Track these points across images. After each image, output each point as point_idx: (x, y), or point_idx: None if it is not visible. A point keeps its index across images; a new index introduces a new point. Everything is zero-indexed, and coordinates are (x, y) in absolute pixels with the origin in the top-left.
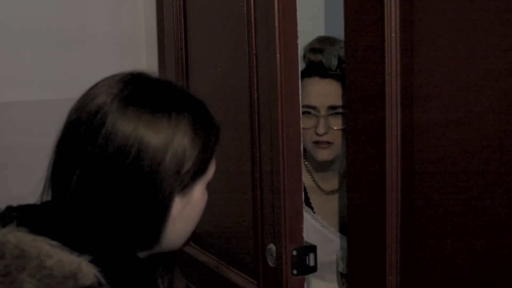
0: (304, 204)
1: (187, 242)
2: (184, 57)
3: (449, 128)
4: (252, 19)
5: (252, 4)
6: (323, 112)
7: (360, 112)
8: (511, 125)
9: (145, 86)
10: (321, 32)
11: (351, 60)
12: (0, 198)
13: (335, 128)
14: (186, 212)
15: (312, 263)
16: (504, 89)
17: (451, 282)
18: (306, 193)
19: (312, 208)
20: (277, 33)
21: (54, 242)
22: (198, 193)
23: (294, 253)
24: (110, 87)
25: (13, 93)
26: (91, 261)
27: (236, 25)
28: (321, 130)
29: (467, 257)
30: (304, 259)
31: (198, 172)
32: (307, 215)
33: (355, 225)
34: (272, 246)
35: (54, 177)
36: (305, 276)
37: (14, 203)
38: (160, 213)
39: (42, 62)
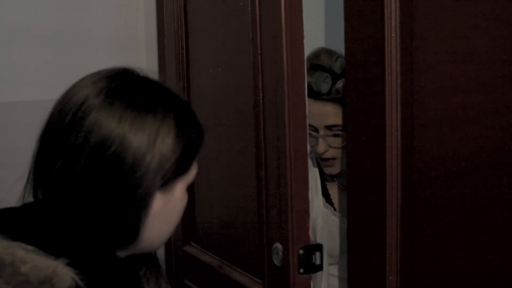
0: (324, 201)
1: (188, 242)
2: (184, 58)
3: (449, 127)
4: (257, 18)
5: (257, 2)
6: (321, 132)
7: (360, 112)
8: (511, 125)
9: (133, 83)
10: (321, 32)
11: (351, 60)
12: (0, 198)
13: (335, 146)
14: (167, 209)
15: (318, 262)
16: (504, 89)
17: (451, 282)
18: (326, 190)
19: (332, 205)
20: (283, 32)
21: (29, 247)
22: (179, 192)
23: (301, 252)
24: (96, 81)
25: (13, 93)
26: (69, 264)
27: (240, 24)
28: (320, 149)
29: (467, 257)
30: (310, 258)
31: (180, 170)
32: (327, 211)
33: (355, 225)
34: (278, 245)
35: (36, 169)
36: (318, 273)
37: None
38: (140, 207)
39: (42, 62)
